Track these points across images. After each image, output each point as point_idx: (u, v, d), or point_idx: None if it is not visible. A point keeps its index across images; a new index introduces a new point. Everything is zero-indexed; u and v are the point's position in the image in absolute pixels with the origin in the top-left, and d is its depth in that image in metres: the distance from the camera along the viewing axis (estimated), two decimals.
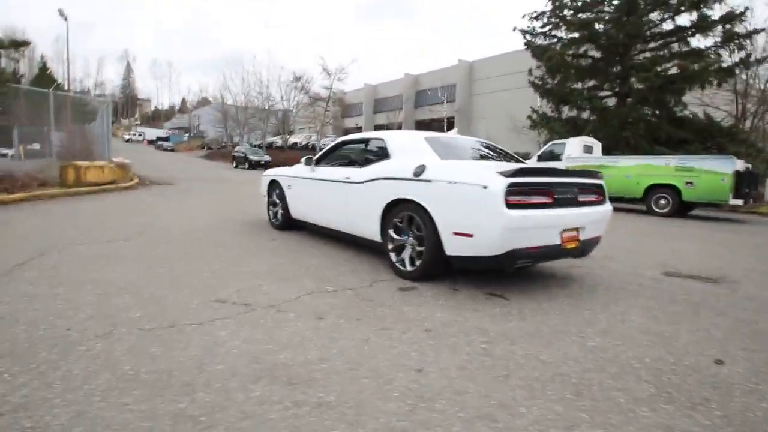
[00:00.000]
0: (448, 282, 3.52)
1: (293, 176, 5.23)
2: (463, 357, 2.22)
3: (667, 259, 4.95)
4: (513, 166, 3.33)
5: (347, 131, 45.04)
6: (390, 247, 3.75)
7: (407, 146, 3.88)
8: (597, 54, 17.53)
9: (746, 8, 14.62)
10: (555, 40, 18.59)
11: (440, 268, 3.46)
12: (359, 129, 46.17)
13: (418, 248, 3.48)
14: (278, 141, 37.97)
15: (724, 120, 17.60)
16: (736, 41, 14.75)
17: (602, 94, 17.94)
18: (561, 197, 3.29)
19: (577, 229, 3.36)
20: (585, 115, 18.06)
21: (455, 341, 2.41)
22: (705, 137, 15.76)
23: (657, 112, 16.22)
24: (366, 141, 4.50)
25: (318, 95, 28.98)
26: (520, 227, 2.98)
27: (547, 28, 18.52)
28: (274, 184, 5.79)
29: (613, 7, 16.91)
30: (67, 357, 2.03)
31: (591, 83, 18.07)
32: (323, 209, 4.68)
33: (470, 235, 3.08)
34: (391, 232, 3.73)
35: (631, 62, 16.66)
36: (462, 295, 3.23)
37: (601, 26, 16.15)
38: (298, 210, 5.21)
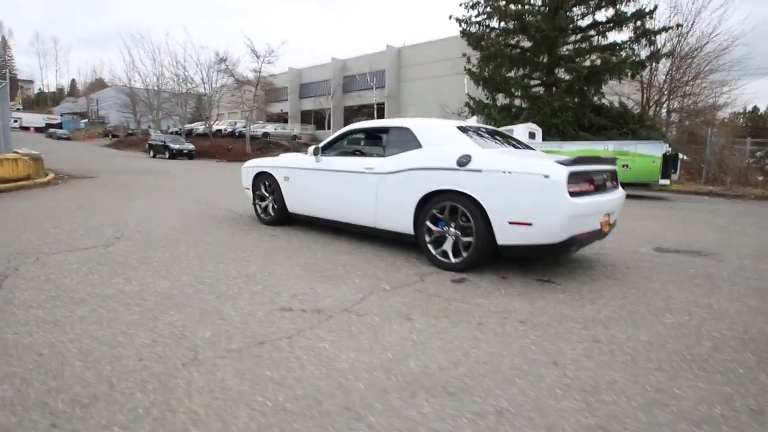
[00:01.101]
0: (490, 271, 3.53)
1: (292, 167, 4.87)
2: (580, 346, 2.24)
3: (646, 236, 5.45)
4: (560, 157, 3.40)
5: (271, 118, 43.25)
6: (428, 239, 3.67)
7: (440, 135, 3.79)
8: (527, 44, 18.55)
9: (655, 6, 16.40)
10: (488, 29, 19.31)
11: (486, 258, 3.46)
12: (284, 115, 44.57)
13: (464, 239, 3.44)
14: (199, 128, 35.23)
15: (633, 108, 19.68)
16: (647, 37, 16.50)
17: (532, 83, 19.09)
18: (599, 184, 3.46)
19: (609, 214, 3.55)
20: (517, 102, 19.13)
21: (556, 330, 2.43)
22: (621, 124, 17.52)
23: (581, 101, 17.64)
24: (384, 129, 4.30)
25: (245, 78, 27.23)
26: (580, 214, 3.07)
27: (481, 18, 19.15)
28: (262, 177, 5.35)
29: (540, 1, 17.95)
30: (173, 395, 1.70)
31: (522, 72, 19.10)
32: (336, 202, 4.42)
33: (529, 224, 3.10)
34: (429, 223, 3.65)
35: (558, 54, 17.89)
36: (516, 283, 3.26)
37: (533, 18, 17.07)
38: (300, 203, 4.88)
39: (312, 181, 4.64)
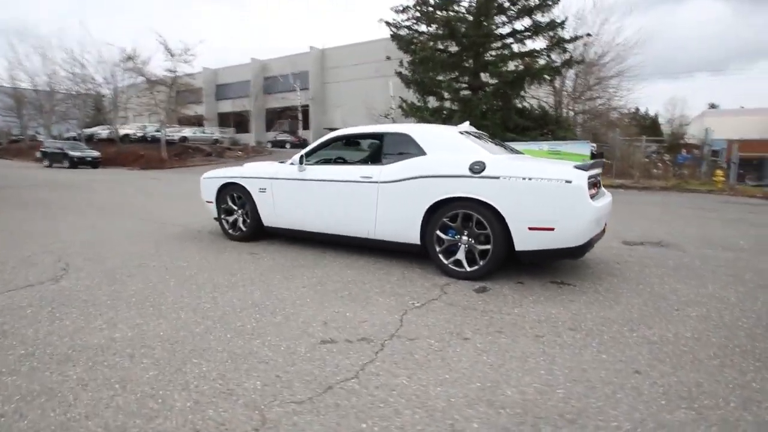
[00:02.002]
0: (503, 277, 3.50)
1: (269, 177, 4.45)
2: (643, 350, 2.26)
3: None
4: (572, 162, 3.45)
5: (184, 121, 40.28)
6: (438, 248, 3.54)
7: (444, 141, 3.67)
8: (455, 49, 19.26)
9: (566, 18, 17.92)
10: (417, 33, 19.74)
11: (500, 264, 3.43)
12: (200, 117, 41.80)
13: (480, 247, 3.37)
14: (102, 132, 31.64)
15: (548, 110, 21.35)
16: (561, 45, 17.98)
17: (460, 86, 19.87)
18: (599, 188, 3.60)
19: (605, 215, 3.70)
20: (447, 104, 19.80)
21: (609, 336, 2.43)
22: (542, 125, 18.90)
23: (507, 104, 18.73)
24: (378, 136, 4.09)
25: (157, 78, 24.90)
26: (597, 217, 3.15)
27: (410, 22, 19.52)
28: (228, 189, 4.84)
29: (466, 8, 18.74)
30: None
31: (450, 76, 19.80)
32: (327, 214, 4.11)
33: (551, 229, 3.11)
34: (439, 232, 3.52)
35: (483, 59, 18.81)
36: (536, 287, 3.26)
37: (461, 25, 17.76)
38: (279, 216, 4.48)
39: (296, 192, 4.28)
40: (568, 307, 2.86)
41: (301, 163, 4.17)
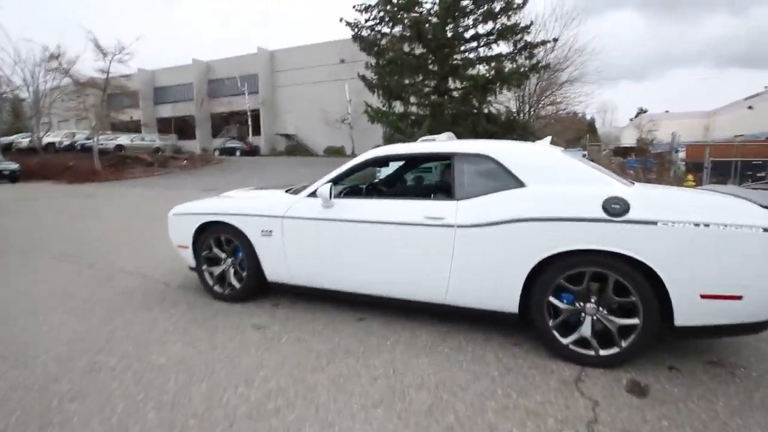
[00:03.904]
0: (639, 359, 2.49)
1: (278, 216, 3.17)
2: None
3: None
4: (745, 194, 2.52)
5: (118, 127, 36.65)
6: (551, 322, 2.47)
7: (549, 167, 2.60)
8: (420, 52, 18.47)
9: (531, 22, 17.70)
10: (381, 35, 18.77)
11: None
12: (136, 123, 38.32)
13: (618, 320, 2.34)
14: (22, 141, 27.78)
15: (514, 115, 21.17)
16: (528, 50, 17.72)
17: (426, 91, 19.12)
18: None
19: None
20: (414, 109, 18.97)
21: None
22: (509, 130, 18.55)
23: (476, 109, 18.22)
24: (442, 158, 2.97)
25: (87, 79, 22.00)
26: None
27: (373, 23, 18.50)
28: (212, 230, 3.50)
29: (428, 9, 18.01)
30: None
31: (416, 80, 19.00)
32: (371, 268, 2.92)
33: (736, 298, 2.14)
34: (553, 298, 2.46)
35: (450, 63, 18.18)
36: (699, 373, 2.27)
37: (429, 27, 16.98)
38: (295, 270, 3.21)
39: (321, 237, 3.04)
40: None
41: (330, 196, 2.93)
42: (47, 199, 12.33)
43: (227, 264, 3.52)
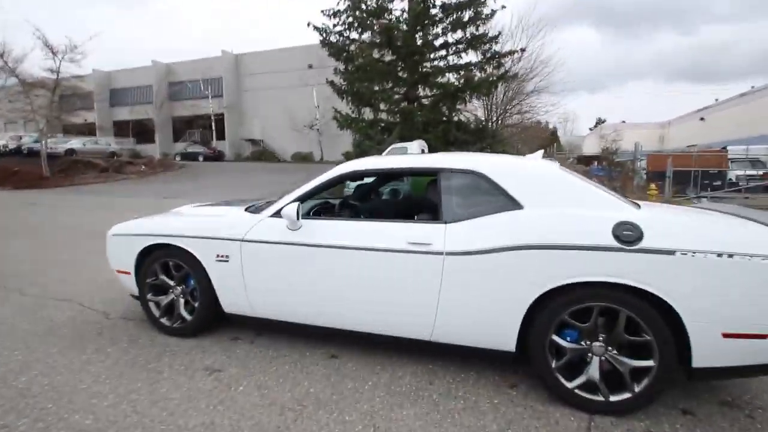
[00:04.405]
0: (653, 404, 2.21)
1: (235, 239, 2.73)
2: None
3: None
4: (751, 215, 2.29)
5: (71, 129, 34.56)
6: (554, 363, 2.16)
7: (548, 186, 2.30)
8: (390, 58, 18.28)
9: (500, 32, 17.88)
10: (349, 40, 18.45)
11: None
12: (91, 126, 36.31)
13: (630, 362, 2.06)
14: None
15: (483, 122, 21.30)
16: (496, 60, 17.84)
17: (395, 98, 18.92)
18: None
19: None
20: (384, 116, 18.71)
21: None
22: (480, 139, 18.60)
23: (447, 117, 18.15)
24: (428, 173, 2.61)
25: (35, 79, 20.47)
26: None
27: (341, 28, 18.16)
28: (159, 253, 3.01)
29: (397, 17, 17.86)
30: None
31: (386, 87, 18.77)
32: (346, 301, 2.52)
33: (763, 336, 1.90)
34: (556, 337, 2.15)
35: (420, 70, 18.06)
36: (718, 418, 2.02)
37: (399, 34, 16.79)
38: (256, 300, 2.77)
39: (287, 264, 2.62)
40: None
41: (297, 217, 2.52)
42: None
43: (176, 293, 3.04)
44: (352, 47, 18.17)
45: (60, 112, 23.48)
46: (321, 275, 2.54)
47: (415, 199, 3.36)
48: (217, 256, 2.79)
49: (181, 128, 37.94)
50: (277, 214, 2.66)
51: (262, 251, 2.66)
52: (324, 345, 2.86)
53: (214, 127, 35.22)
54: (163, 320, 3.07)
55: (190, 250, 2.87)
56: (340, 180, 2.70)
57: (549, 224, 2.15)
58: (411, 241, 2.33)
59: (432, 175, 2.59)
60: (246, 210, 2.97)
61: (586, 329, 2.11)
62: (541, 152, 3.07)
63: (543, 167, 2.44)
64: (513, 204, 2.25)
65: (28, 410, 2.13)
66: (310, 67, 30.77)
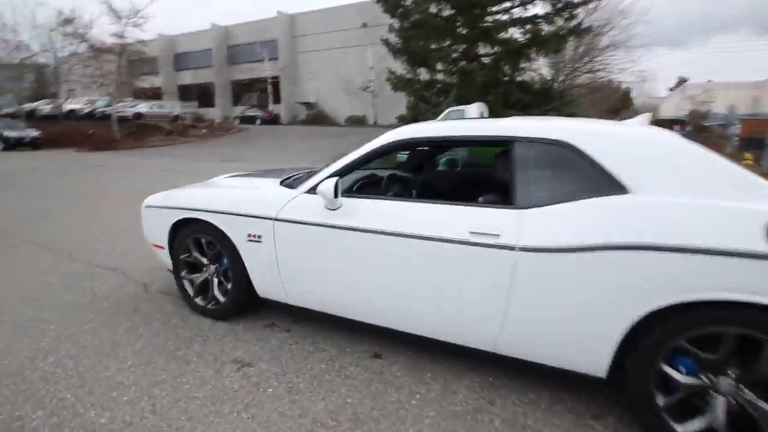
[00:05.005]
0: None
1: (268, 217, 2.39)
2: None
3: None
4: None
5: (140, 94, 36.30)
6: (662, 400, 1.64)
7: (668, 161, 1.70)
8: (449, 13, 16.99)
9: None
10: None
11: None
12: (157, 90, 37.90)
13: None
14: (44, 108, 27.71)
15: (550, 83, 19.56)
16: (569, 10, 16.01)
17: (454, 56, 17.72)
18: None
19: None
20: (440, 77, 17.68)
21: None
22: (545, 101, 17.11)
23: (509, 77, 16.81)
24: (499, 142, 2.08)
25: (104, 45, 21.40)
26: None
27: None
28: (192, 228, 2.76)
29: None
30: None
31: (443, 45, 17.59)
32: (393, 296, 2.13)
33: None
34: (665, 366, 1.62)
35: (481, 25, 16.67)
36: None
37: None
38: (291, 285, 2.45)
39: (323, 249, 2.25)
40: None
41: (335, 194, 2.11)
42: (56, 171, 11.93)
43: (210, 272, 2.80)
44: (408, 2, 17.07)
45: (129, 77, 24.55)
46: (361, 265, 2.15)
47: (479, 174, 2.84)
48: (249, 236, 2.47)
49: (239, 91, 38.68)
50: (314, 189, 2.26)
51: (296, 233, 2.30)
52: (367, 340, 2.51)
53: (270, 91, 35.48)
54: (197, 300, 2.86)
55: (219, 226, 2.57)
56: (385, 152, 2.23)
57: (667, 217, 1.57)
58: (474, 230, 1.85)
59: (502, 145, 2.06)
60: (281, 183, 2.61)
61: (709, 360, 1.56)
62: (647, 116, 2.40)
63: (658, 137, 1.82)
64: (615, 187, 1.69)
65: (46, 400, 1.98)
66: (364, 25, 29.70)
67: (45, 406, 1.94)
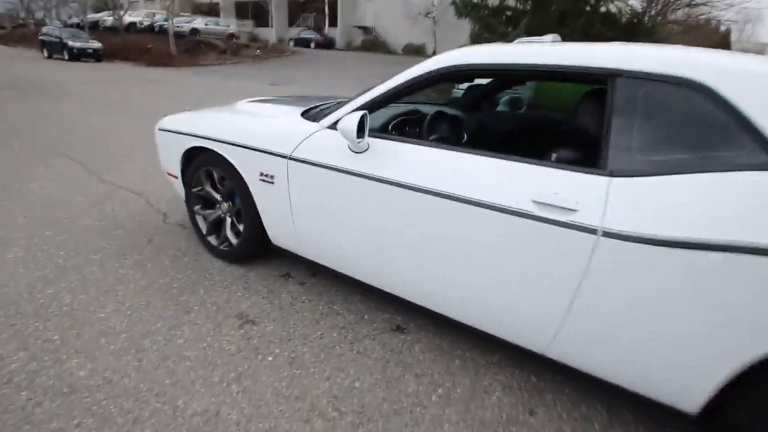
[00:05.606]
0: None
1: (282, 155, 1.98)
2: None
3: None
4: None
5: (198, 9, 35.73)
6: None
7: None
8: None
9: None
10: None
11: None
12: (215, 5, 37.17)
13: None
14: (107, 19, 28.02)
15: (639, 16, 16.96)
16: None
17: None
18: None
19: None
20: (512, 3, 15.72)
21: None
22: (630, 36, 14.92)
23: (589, 7, 14.66)
24: (591, 76, 1.46)
25: None
26: None
27: None
28: (204, 158, 2.41)
29: None
30: None
31: None
32: (426, 268, 1.70)
33: None
34: None
35: None
36: None
37: None
38: (305, 237, 2.10)
39: (344, 199, 1.83)
40: None
41: (360, 134, 1.64)
42: (110, 83, 12.04)
43: (223, 209, 2.49)
44: None
45: None
46: (387, 225, 1.72)
47: (551, 120, 2.21)
48: (261, 174, 2.08)
49: (296, 11, 37.10)
50: (336, 126, 1.80)
51: (313, 176, 1.88)
52: (388, 308, 2.15)
53: (327, 12, 33.73)
54: (211, 239, 2.59)
55: (229, 159, 2.20)
56: (430, 81, 1.68)
57: None
58: (539, 199, 1.34)
59: (595, 81, 1.47)
60: (303, 114, 2.15)
61: None
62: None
63: None
64: (764, 147, 1.10)
65: (31, 340, 1.80)
66: None
67: (29, 347, 1.77)
